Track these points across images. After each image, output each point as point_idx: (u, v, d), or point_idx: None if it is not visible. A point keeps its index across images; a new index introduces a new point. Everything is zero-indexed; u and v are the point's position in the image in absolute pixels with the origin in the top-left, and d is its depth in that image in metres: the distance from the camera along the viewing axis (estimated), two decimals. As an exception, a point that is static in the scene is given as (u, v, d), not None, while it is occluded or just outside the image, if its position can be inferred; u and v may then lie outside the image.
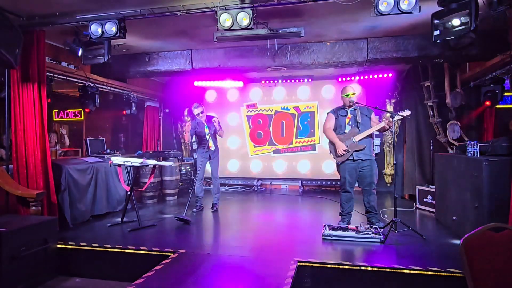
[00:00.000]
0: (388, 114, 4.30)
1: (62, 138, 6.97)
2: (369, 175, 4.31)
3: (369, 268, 3.12)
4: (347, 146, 4.26)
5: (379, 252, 3.56)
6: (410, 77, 6.70)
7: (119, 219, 4.73)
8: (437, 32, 3.52)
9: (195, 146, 7.15)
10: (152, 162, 4.74)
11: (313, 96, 7.74)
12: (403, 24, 4.53)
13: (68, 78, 5.44)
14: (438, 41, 3.56)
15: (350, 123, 4.37)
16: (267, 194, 7.47)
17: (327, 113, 4.59)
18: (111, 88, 6.51)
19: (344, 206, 4.44)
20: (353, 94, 4.36)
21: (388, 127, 4.26)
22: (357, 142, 4.26)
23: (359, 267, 3.15)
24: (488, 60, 4.81)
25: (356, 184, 4.48)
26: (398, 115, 4.27)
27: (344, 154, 4.28)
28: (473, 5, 3.21)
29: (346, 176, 4.35)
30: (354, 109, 4.40)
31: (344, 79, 7.33)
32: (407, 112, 4.26)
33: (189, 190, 7.34)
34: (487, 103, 5.13)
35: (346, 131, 4.36)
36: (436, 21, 3.52)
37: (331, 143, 4.43)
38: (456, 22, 3.38)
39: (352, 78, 7.25)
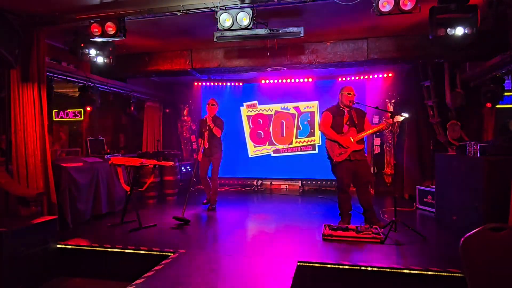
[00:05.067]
0: (389, 115, 4.31)
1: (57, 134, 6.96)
2: (365, 174, 4.33)
3: (369, 268, 3.12)
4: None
5: (379, 252, 3.56)
6: (410, 77, 6.71)
7: (119, 219, 4.73)
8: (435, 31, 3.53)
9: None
10: (152, 162, 4.74)
11: (313, 96, 7.73)
12: (403, 24, 4.53)
13: (68, 78, 5.44)
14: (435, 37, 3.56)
15: (347, 123, 4.37)
16: (267, 194, 7.47)
17: (323, 112, 4.57)
18: (111, 88, 6.50)
19: (342, 207, 4.45)
20: (354, 94, 4.38)
21: (385, 128, 4.28)
22: (355, 142, 4.26)
23: (359, 267, 3.15)
24: (488, 60, 4.81)
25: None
26: (401, 116, 4.23)
27: (346, 151, 4.27)
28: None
29: (343, 177, 4.35)
30: (351, 109, 4.41)
31: (344, 79, 7.33)
32: (405, 115, 4.25)
33: (192, 189, 7.35)
34: (488, 105, 5.12)
35: (344, 130, 4.36)
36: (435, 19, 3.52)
37: (330, 141, 4.40)
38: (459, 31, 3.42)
39: (352, 78, 7.25)
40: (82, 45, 4.43)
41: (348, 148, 4.26)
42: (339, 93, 4.47)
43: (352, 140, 4.27)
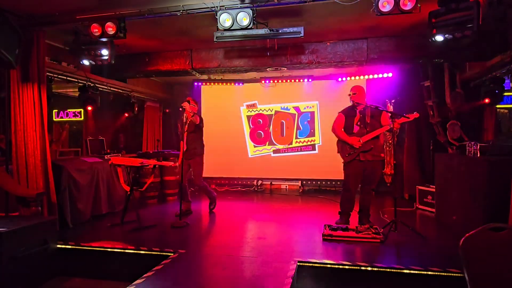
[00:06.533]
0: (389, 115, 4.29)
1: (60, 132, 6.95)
2: (372, 175, 4.32)
3: (369, 268, 3.12)
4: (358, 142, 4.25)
5: (379, 252, 3.56)
6: (410, 77, 6.70)
7: (119, 219, 4.73)
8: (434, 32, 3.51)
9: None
10: (152, 162, 4.74)
11: (313, 96, 7.73)
12: (403, 24, 4.53)
13: (68, 78, 5.44)
14: (434, 40, 3.55)
15: (358, 123, 4.36)
16: (267, 194, 7.47)
17: (338, 113, 4.57)
18: (111, 88, 6.51)
19: (344, 206, 4.44)
20: (354, 94, 4.36)
21: (395, 128, 4.14)
22: (363, 143, 4.25)
23: (359, 267, 3.15)
24: (488, 60, 4.81)
25: None
26: (404, 117, 4.19)
27: (355, 151, 4.26)
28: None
29: (350, 176, 4.35)
30: (364, 109, 4.37)
31: (344, 79, 7.33)
32: (414, 115, 4.15)
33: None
34: (487, 100, 5.13)
35: (354, 131, 4.36)
36: (433, 21, 3.51)
37: (340, 142, 4.41)
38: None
39: (352, 78, 7.25)
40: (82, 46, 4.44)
41: (356, 148, 4.25)
42: None
43: (360, 140, 4.26)
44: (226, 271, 3.13)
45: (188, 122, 4.80)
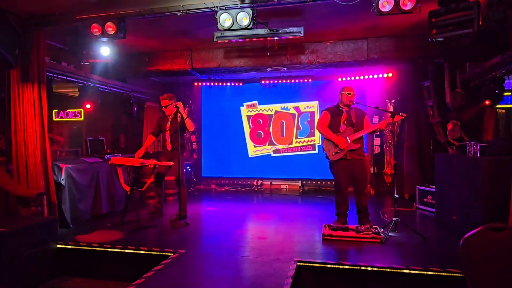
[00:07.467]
0: (389, 115, 4.30)
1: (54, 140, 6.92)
2: (362, 175, 4.33)
3: (369, 268, 3.12)
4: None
5: (379, 252, 3.56)
6: (410, 77, 6.70)
7: (119, 219, 4.72)
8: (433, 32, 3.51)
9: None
10: (152, 162, 4.74)
11: (313, 96, 7.73)
12: (403, 24, 4.53)
13: (68, 78, 5.44)
14: (434, 40, 3.55)
15: (345, 122, 4.38)
16: (267, 194, 7.47)
17: (322, 111, 4.60)
18: (111, 88, 6.50)
19: (339, 207, 4.45)
20: (354, 94, 4.37)
21: (384, 127, 4.28)
22: (351, 142, 4.26)
23: (359, 267, 3.15)
24: (488, 60, 4.81)
25: None
26: (398, 115, 4.23)
27: (342, 150, 4.27)
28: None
29: (340, 176, 4.35)
30: (350, 109, 4.41)
31: (344, 79, 7.33)
32: (402, 115, 4.23)
33: (189, 190, 7.34)
34: (487, 102, 5.13)
35: (341, 130, 4.37)
36: (433, 21, 3.51)
37: (326, 141, 4.42)
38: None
39: (352, 78, 7.25)
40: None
41: (343, 147, 4.26)
42: (339, 92, 4.48)
43: (348, 139, 4.27)
44: (226, 271, 3.13)
45: (178, 121, 4.53)
